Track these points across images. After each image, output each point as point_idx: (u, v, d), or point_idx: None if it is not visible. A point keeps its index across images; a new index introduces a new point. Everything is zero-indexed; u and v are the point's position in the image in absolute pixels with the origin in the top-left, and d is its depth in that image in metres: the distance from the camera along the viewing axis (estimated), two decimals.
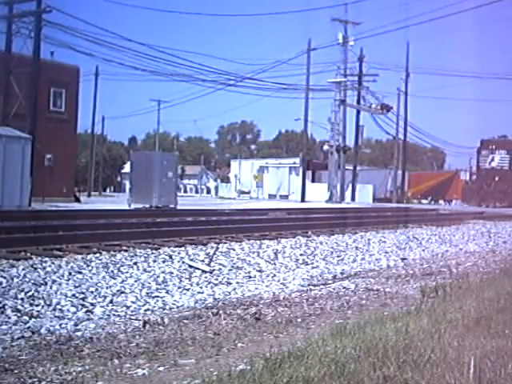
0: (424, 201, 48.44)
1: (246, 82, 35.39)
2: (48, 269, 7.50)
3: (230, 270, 8.52)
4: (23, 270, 7.31)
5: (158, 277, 7.55)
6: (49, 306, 5.79)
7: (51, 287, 6.52)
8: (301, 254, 10.54)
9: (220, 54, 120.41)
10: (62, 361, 4.14)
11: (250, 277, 8.16)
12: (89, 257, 8.60)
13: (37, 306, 5.76)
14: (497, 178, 40.17)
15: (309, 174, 43.57)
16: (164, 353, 4.41)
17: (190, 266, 8.42)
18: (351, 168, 41.10)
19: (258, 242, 11.68)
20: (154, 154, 30.45)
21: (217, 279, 7.80)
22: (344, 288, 7.50)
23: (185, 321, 5.50)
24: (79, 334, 4.93)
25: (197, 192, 58.76)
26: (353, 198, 40.23)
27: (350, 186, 41.12)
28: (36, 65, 23.85)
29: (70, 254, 8.79)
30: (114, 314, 5.69)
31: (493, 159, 40.85)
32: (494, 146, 41.47)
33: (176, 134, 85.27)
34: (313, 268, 9.32)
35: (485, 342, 4.04)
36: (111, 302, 6.16)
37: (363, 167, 50.41)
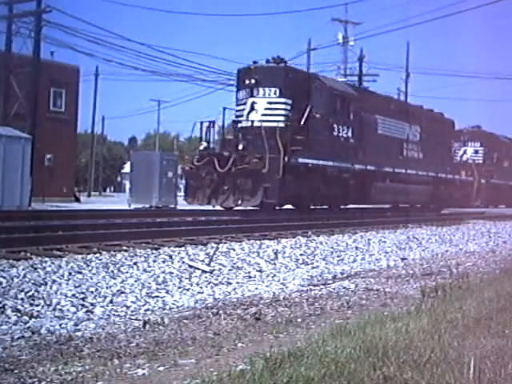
0: None
1: None
2: (48, 269, 7.50)
3: (230, 270, 8.52)
4: (23, 270, 7.30)
5: (158, 277, 7.55)
6: (49, 306, 5.79)
7: (51, 287, 6.52)
8: (301, 254, 10.54)
9: (220, 54, 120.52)
10: (62, 361, 4.14)
11: (250, 277, 8.16)
12: (89, 257, 8.60)
13: (37, 305, 5.76)
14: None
15: None
16: (164, 353, 4.42)
17: (190, 266, 8.42)
18: None
19: (257, 241, 11.68)
20: (154, 154, 30.45)
21: (217, 279, 7.80)
22: (344, 288, 7.50)
23: (185, 321, 5.50)
24: (79, 334, 4.93)
25: None
26: None
27: None
28: (36, 65, 23.85)
29: (70, 253, 8.79)
30: (114, 314, 5.69)
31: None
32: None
33: (176, 134, 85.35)
34: (313, 268, 9.32)
35: (485, 342, 4.05)
36: (111, 302, 6.16)
37: None
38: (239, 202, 17.95)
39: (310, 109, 19.19)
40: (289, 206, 20.72)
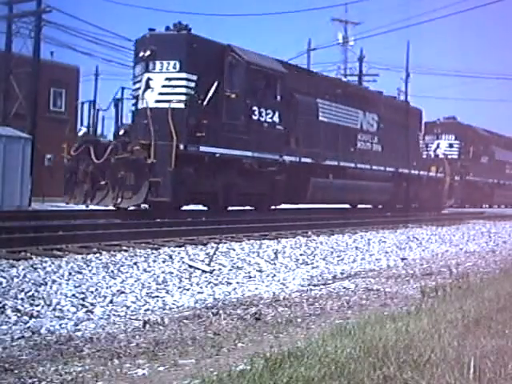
0: None
1: None
2: (48, 269, 7.50)
3: (230, 269, 8.52)
4: (23, 269, 7.31)
5: (158, 277, 7.55)
6: (49, 306, 5.79)
7: (51, 287, 6.52)
8: (301, 254, 10.54)
9: None
10: (62, 361, 4.14)
11: (250, 277, 8.16)
12: (89, 257, 8.60)
13: (37, 306, 5.76)
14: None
15: None
16: (164, 353, 4.42)
17: (190, 266, 8.42)
18: None
19: (257, 241, 11.69)
20: None
21: (217, 279, 7.80)
22: (344, 288, 7.50)
23: (185, 321, 5.50)
24: (79, 334, 4.93)
25: None
26: None
27: None
28: (36, 65, 23.84)
29: (70, 253, 8.79)
30: (114, 314, 5.69)
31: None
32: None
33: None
34: (313, 268, 9.32)
35: (485, 342, 4.04)
36: (111, 302, 6.16)
37: None
38: (118, 200, 14.34)
39: (217, 86, 15.61)
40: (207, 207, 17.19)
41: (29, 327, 5.06)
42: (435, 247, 13.24)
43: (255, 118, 16.93)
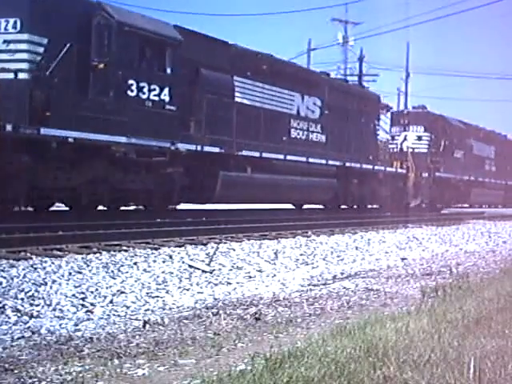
0: None
1: None
2: (48, 269, 7.50)
3: (230, 269, 8.52)
4: (23, 270, 7.30)
5: (157, 277, 7.55)
6: (49, 306, 5.79)
7: (51, 287, 6.52)
8: (301, 254, 10.54)
9: None
10: (61, 361, 4.14)
11: (250, 277, 8.16)
12: (89, 257, 8.60)
13: (37, 305, 5.76)
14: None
15: None
16: (164, 353, 4.42)
17: (190, 266, 8.42)
18: None
19: (257, 241, 11.69)
20: None
21: (217, 279, 7.80)
22: (344, 288, 7.50)
23: (185, 321, 5.50)
24: (79, 334, 4.93)
25: None
26: None
27: None
28: None
29: (70, 253, 8.79)
30: (114, 314, 5.69)
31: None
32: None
33: None
34: (313, 268, 9.32)
35: (485, 342, 4.05)
36: (111, 302, 6.15)
37: None
38: None
39: (79, 54, 12.13)
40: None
41: (29, 327, 5.06)
42: (435, 247, 13.24)
43: (132, 94, 13.13)
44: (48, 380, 3.75)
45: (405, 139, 28.20)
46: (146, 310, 5.93)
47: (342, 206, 21.90)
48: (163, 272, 7.89)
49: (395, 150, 27.17)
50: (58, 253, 8.80)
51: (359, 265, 9.97)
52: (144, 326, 5.23)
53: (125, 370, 3.99)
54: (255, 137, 16.84)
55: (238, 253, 10.07)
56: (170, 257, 9.13)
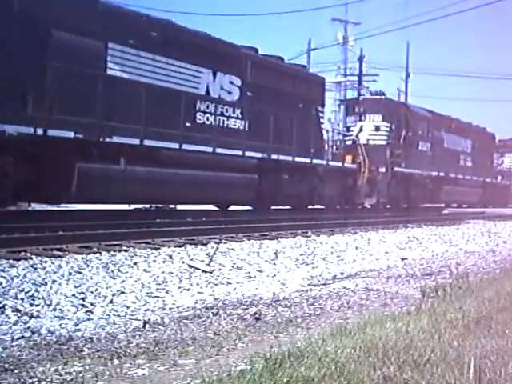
0: None
1: None
2: (48, 269, 7.50)
3: (230, 269, 8.52)
4: (23, 270, 7.30)
5: (157, 277, 7.55)
6: (49, 306, 5.79)
7: (51, 287, 6.52)
8: (301, 254, 10.54)
9: None
10: (61, 361, 4.14)
11: (250, 277, 8.16)
12: (89, 257, 8.60)
13: (37, 306, 5.76)
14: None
15: None
16: (164, 353, 4.42)
17: (190, 266, 8.42)
18: None
19: (257, 242, 11.69)
20: None
21: (217, 279, 7.80)
22: (344, 288, 7.50)
23: (185, 321, 5.50)
24: (79, 334, 4.93)
25: None
26: None
27: None
28: None
29: (70, 253, 8.79)
30: (114, 314, 5.69)
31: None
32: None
33: None
34: (313, 268, 9.32)
35: (485, 342, 4.05)
36: (111, 302, 6.16)
37: None
38: None
39: None
40: None
41: (29, 327, 5.06)
42: (435, 247, 13.24)
43: None
44: (48, 380, 3.75)
45: (360, 130, 24.26)
46: (146, 310, 5.93)
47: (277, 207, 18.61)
48: (163, 272, 7.89)
49: (351, 141, 23.71)
50: (58, 253, 8.80)
51: (359, 265, 9.97)
52: (144, 326, 5.23)
53: (125, 369, 3.99)
54: (135, 120, 13.13)
55: (238, 253, 10.07)
56: (170, 257, 9.13)
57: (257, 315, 5.67)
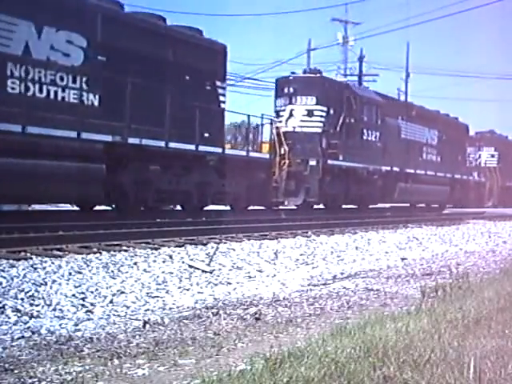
0: None
1: (246, 81, 35.30)
2: (48, 269, 7.50)
3: (230, 270, 8.52)
4: (23, 270, 7.31)
5: (157, 277, 7.55)
6: (49, 306, 5.79)
7: (51, 287, 6.52)
8: (301, 254, 10.54)
9: None
10: (61, 361, 4.14)
11: (250, 277, 8.16)
12: (89, 257, 8.60)
13: (37, 305, 5.76)
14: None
15: None
16: (164, 353, 4.42)
17: (190, 266, 8.42)
18: None
19: (257, 242, 11.69)
20: None
21: (217, 279, 7.80)
22: (344, 288, 7.50)
23: (185, 321, 5.50)
24: (79, 334, 4.93)
25: None
26: None
27: None
28: None
29: (70, 253, 8.79)
30: (114, 314, 5.69)
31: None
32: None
33: None
34: (313, 268, 9.32)
35: (485, 342, 4.05)
36: (111, 302, 6.16)
37: None
38: None
39: None
40: None
41: (29, 327, 5.06)
42: (435, 247, 13.24)
43: None
44: (48, 380, 3.75)
45: (291, 115, 20.02)
46: (146, 310, 5.93)
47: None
48: (163, 272, 7.89)
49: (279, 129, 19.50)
50: (58, 253, 8.80)
51: (359, 265, 9.97)
52: (144, 326, 5.23)
53: (125, 369, 3.99)
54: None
55: (238, 253, 10.07)
56: (170, 257, 9.13)
57: (257, 315, 5.67)
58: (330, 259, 10.37)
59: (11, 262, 7.73)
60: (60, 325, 5.19)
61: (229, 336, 4.93)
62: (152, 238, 10.74)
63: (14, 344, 4.57)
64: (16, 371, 3.90)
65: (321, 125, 20.23)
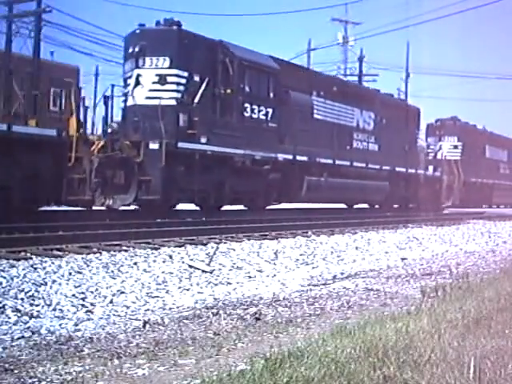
0: None
1: None
2: (48, 269, 7.50)
3: (230, 269, 8.52)
4: (23, 270, 7.30)
5: (157, 277, 7.55)
6: (49, 306, 5.79)
7: (51, 287, 6.52)
8: (301, 254, 10.54)
9: None
10: (61, 361, 4.14)
11: (250, 277, 8.16)
12: (89, 257, 8.60)
13: (37, 306, 5.76)
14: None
15: None
16: (164, 353, 4.42)
17: (190, 266, 8.42)
18: None
19: (257, 242, 11.69)
20: None
21: (217, 279, 7.80)
22: (344, 288, 7.50)
23: (185, 321, 5.50)
24: (79, 334, 4.93)
25: None
26: None
27: None
28: (36, 65, 23.83)
29: (70, 253, 8.79)
30: (114, 314, 5.69)
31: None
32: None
33: None
34: (313, 268, 9.32)
35: (485, 342, 4.04)
36: (111, 302, 6.16)
37: None
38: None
39: None
40: None
41: (29, 327, 5.06)
42: (435, 247, 13.24)
43: None
44: (48, 380, 3.75)
45: (138, 82, 15.09)
46: (146, 310, 5.93)
47: None
48: (163, 272, 7.89)
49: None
50: (58, 253, 8.80)
51: (359, 265, 9.97)
52: (144, 326, 5.23)
53: (125, 369, 3.99)
54: None
55: (238, 253, 10.07)
56: (170, 257, 9.13)
57: (257, 315, 5.67)
58: (329, 259, 10.37)
59: (11, 262, 7.73)
60: (60, 325, 5.19)
61: (229, 336, 4.93)
62: (152, 238, 10.74)
63: (14, 344, 4.57)
64: (16, 371, 3.90)
65: (176, 95, 15.07)
